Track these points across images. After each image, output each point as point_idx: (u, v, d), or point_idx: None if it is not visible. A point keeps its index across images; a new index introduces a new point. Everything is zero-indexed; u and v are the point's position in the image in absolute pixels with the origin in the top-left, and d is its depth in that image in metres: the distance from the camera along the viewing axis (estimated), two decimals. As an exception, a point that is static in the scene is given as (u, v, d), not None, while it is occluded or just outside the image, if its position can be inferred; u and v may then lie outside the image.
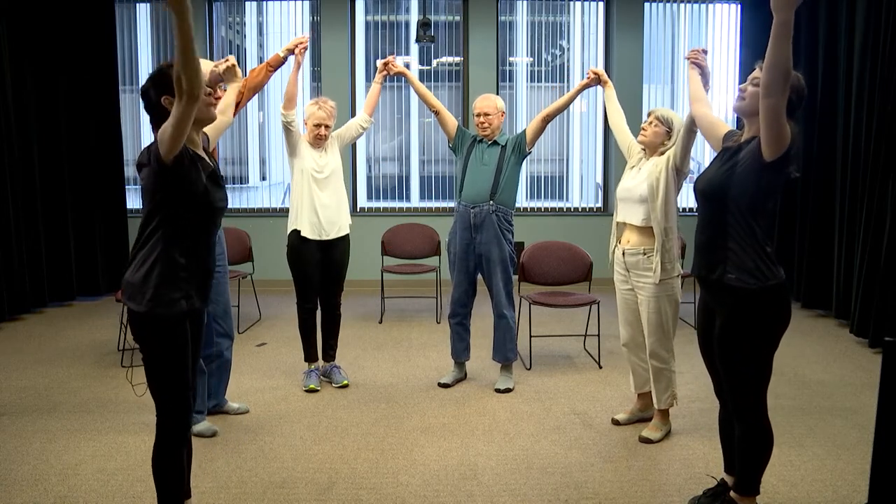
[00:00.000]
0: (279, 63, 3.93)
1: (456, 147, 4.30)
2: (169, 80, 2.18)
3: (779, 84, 2.24)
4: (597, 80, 3.96)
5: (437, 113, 4.32)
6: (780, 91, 2.25)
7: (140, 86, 2.36)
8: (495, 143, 4.16)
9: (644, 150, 3.55)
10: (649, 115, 3.48)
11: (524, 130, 4.19)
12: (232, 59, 3.11)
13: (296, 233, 4.11)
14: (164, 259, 2.28)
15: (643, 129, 3.49)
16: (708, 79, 3.19)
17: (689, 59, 3.19)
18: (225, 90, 3.14)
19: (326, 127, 4.08)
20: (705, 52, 3.23)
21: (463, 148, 4.26)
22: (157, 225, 2.29)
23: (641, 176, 3.45)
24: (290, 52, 3.94)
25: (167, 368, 2.33)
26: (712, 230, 2.54)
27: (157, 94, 2.29)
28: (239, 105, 3.53)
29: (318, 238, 4.11)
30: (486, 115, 4.12)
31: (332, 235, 4.15)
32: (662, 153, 3.43)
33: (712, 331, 2.62)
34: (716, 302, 2.59)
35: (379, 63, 4.31)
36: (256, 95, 4.05)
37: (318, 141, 4.10)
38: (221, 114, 2.87)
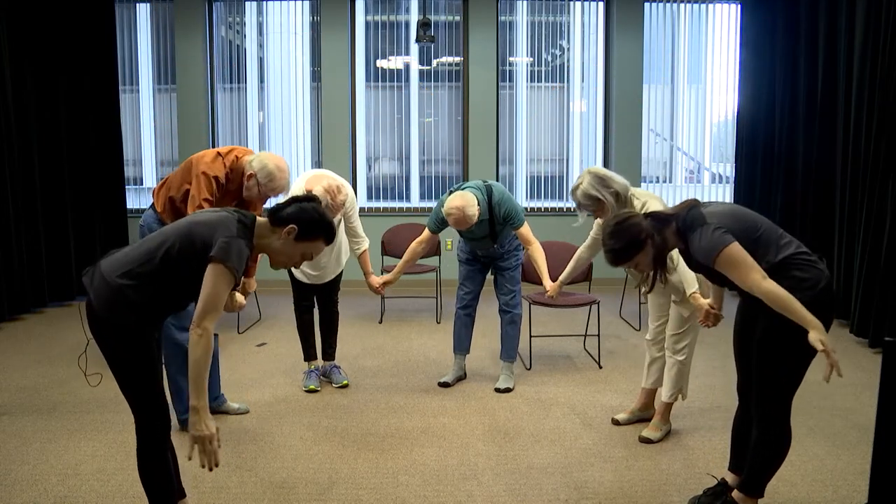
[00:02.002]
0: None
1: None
2: (310, 227, 2.29)
3: None
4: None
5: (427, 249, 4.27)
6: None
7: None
8: (481, 220, 3.98)
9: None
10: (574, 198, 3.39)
11: (518, 225, 4.01)
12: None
13: None
14: (151, 293, 2.25)
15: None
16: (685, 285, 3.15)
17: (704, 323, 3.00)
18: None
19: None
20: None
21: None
22: (165, 267, 2.25)
23: None
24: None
25: (137, 373, 2.28)
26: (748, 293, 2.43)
27: (291, 219, 2.30)
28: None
29: (310, 283, 4.19)
30: (468, 226, 3.93)
31: (327, 279, 4.20)
32: None
33: (750, 331, 2.56)
34: (764, 309, 2.43)
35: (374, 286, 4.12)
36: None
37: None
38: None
